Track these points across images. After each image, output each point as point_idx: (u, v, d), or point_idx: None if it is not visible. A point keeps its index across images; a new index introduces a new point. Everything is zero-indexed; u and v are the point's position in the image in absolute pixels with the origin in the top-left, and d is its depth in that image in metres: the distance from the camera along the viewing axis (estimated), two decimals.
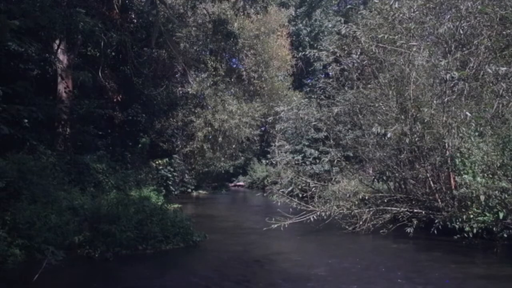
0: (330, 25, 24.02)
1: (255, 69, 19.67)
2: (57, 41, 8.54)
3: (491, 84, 6.54)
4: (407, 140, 6.48)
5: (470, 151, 5.92)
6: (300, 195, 7.64)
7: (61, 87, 8.78)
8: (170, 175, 12.46)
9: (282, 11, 21.73)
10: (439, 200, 6.50)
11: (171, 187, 12.56)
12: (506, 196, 5.41)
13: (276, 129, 13.32)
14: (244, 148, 22.17)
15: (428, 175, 6.78)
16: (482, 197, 5.49)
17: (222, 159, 19.38)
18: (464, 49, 6.66)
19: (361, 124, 7.89)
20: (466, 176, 5.76)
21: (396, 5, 6.80)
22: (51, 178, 6.07)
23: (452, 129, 6.25)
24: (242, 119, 17.68)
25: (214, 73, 17.25)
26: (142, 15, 11.35)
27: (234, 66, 20.81)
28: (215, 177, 21.85)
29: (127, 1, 10.93)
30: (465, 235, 5.54)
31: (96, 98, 9.48)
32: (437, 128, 6.27)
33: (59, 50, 8.63)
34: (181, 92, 15.50)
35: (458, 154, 6.01)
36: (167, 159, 12.70)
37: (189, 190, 17.30)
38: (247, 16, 14.14)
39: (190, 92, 15.90)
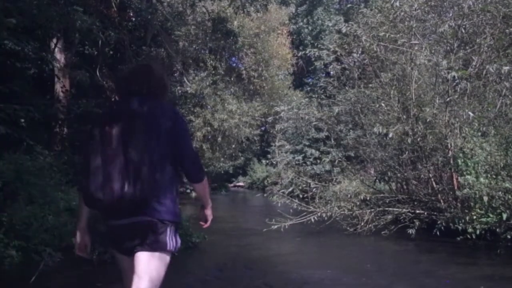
0: (331, 24, 23.96)
1: (255, 68, 19.59)
2: (54, 40, 8.47)
3: (494, 83, 6.48)
4: (409, 140, 6.41)
5: (473, 151, 5.85)
6: (301, 196, 7.57)
7: (58, 86, 8.70)
8: None
9: (283, 9, 21.66)
10: (441, 201, 6.43)
11: None
12: (510, 197, 5.34)
13: (276, 129, 13.26)
14: (244, 148, 22.11)
15: (431, 175, 6.71)
16: (485, 198, 5.42)
17: (222, 159, 19.31)
18: (467, 47, 6.59)
19: (362, 124, 7.82)
20: (469, 176, 5.68)
21: (397, 3, 6.73)
22: (48, 179, 5.98)
23: (454, 129, 6.18)
24: (242, 118, 17.60)
25: (213, 72, 17.16)
26: (140, 14, 11.27)
27: (234, 65, 20.73)
28: (215, 178, 21.79)
29: None
30: (468, 236, 5.47)
31: (93, 97, 9.39)
32: (439, 128, 6.20)
33: (56, 49, 8.55)
34: (180, 91, 15.42)
35: (460, 155, 5.94)
36: None
37: (188, 190, 17.21)
38: (247, 15, 14.07)
39: (189, 91, 15.81)
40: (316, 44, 16.33)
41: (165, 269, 1.51)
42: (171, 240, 1.48)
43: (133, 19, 11.38)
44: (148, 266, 1.44)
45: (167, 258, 1.51)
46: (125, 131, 1.39)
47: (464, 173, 5.81)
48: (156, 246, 1.45)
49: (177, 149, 1.48)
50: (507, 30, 6.41)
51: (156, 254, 1.46)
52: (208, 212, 1.73)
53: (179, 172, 1.56)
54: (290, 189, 7.94)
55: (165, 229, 1.46)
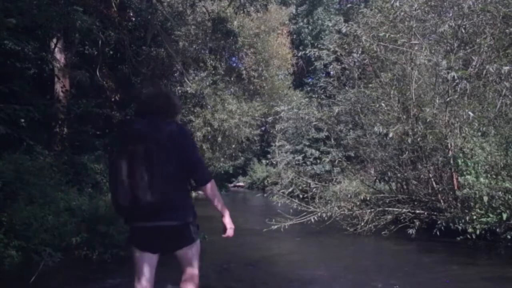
0: (331, 24, 23.95)
1: (255, 68, 19.57)
2: (54, 40, 8.46)
3: (494, 83, 6.47)
4: (409, 140, 6.40)
5: (473, 151, 5.85)
6: (301, 196, 7.57)
7: (58, 86, 8.69)
8: None
9: (283, 9, 21.64)
10: (441, 201, 6.43)
11: None
12: (510, 197, 5.34)
13: (276, 129, 13.24)
14: (244, 148, 22.03)
15: (431, 175, 6.71)
16: (485, 198, 5.41)
17: (222, 159, 19.26)
18: (467, 47, 6.58)
19: (362, 124, 7.82)
20: (469, 176, 5.68)
21: (397, 3, 6.72)
22: (48, 179, 5.98)
23: (454, 129, 6.17)
24: (242, 118, 17.56)
25: (213, 72, 17.13)
26: (140, 13, 11.27)
27: (234, 65, 20.71)
28: (215, 178, 21.65)
29: None
30: (468, 236, 5.47)
31: (93, 97, 9.37)
32: (439, 128, 6.19)
33: (56, 49, 8.54)
34: (180, 91, 15.39)
35: (460, 155, 5.94)
36: None
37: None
38: (247, 14, 14.06)
39: (189, 91, 15.78)
40: (316, 44, 16.34)
41: (199, 251, 1.95)
42: (195, 233, 1.88)
43: (133, 19, 11.37)
44: (188, 255, 1.88)
45: (197, 245, 1.92)
46: (145, 149, 1.69)
47: (464, 173, 5.80)
48: (186, 242, 1.85)
49: (186, 160, 1.78)
50: (507, 30, 6.40)
51: (188, 248, 1.86)
52: (226, 220, 1.95)
53: (189, 178, 1.89)
54: (290, 189, 7.94)
55: (189, 228, 1.83)
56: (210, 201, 1.89)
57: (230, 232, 1.94)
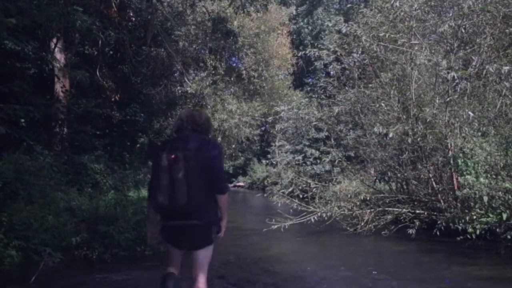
0: (331, 24, 23.95)
1: (255, 68, 19.60)
2: (54, 40, 8.45)
3: (494, 83, 6.48)
4: (409, 140, 6.40)
5: (473, 151, 5.85)
6: (301, 196, 7.57)
7: (58, 86, 8.68)
8: None
9: (283, 9, 21.66)
10: (441, 201, 6.43)
11: None
12: (510, 197, 5.33)
13: (276, 129, 13.26)
14: (244, 148, 22.08)
15: (431, 175, 6.71)
16: (485, 198, 5.41)
17: None
18: (467, 47, 6.59)
19: (362, 124, 7.82)
20: (469, 176, 5.68)
21: (397, 3, 6.72)
22: (48, 179, 5.98)
23: (454, 129, 6.17)
24: (242, 118, 17.60)
25: (213, 72, 17.15)
26: (140, 13, 11.27)
27: (234, 65, 20.75)
28: None
29: None
30: (468, 236, 5.47)
31: (93, 97, 9.38)
32: (439, 128, 6.19)
33: (56, 49, 8.53)
34: (180, 91, 15.41)
35: (460, 155, 5.94)
36: None
37: None
38: (247, 14, 14.07)
39: (189, 91, 15.80)
40: (316, 44, 16.33)
41: (211, 257, 2.30)
42: (214, 234, 2.23)
43: (133, 19, 11.37)
44: (204, 258, 2.24)
45: (211, 249, 2.29)
46: (183, 158, 2.04)
47: (464, 173, 5.80)
48: (206, 243, 2.23)
49: (211, 170, 2.12)
50: (507, 30, 6.41)
51: (206, 248, 2.23)
52: (223, 223, 2.32)
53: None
54: (290, 189, 7.94)
55: (211, 229, 2.20)
56: (219, 207, 2.23)
57: (222, 233, 2.32)
